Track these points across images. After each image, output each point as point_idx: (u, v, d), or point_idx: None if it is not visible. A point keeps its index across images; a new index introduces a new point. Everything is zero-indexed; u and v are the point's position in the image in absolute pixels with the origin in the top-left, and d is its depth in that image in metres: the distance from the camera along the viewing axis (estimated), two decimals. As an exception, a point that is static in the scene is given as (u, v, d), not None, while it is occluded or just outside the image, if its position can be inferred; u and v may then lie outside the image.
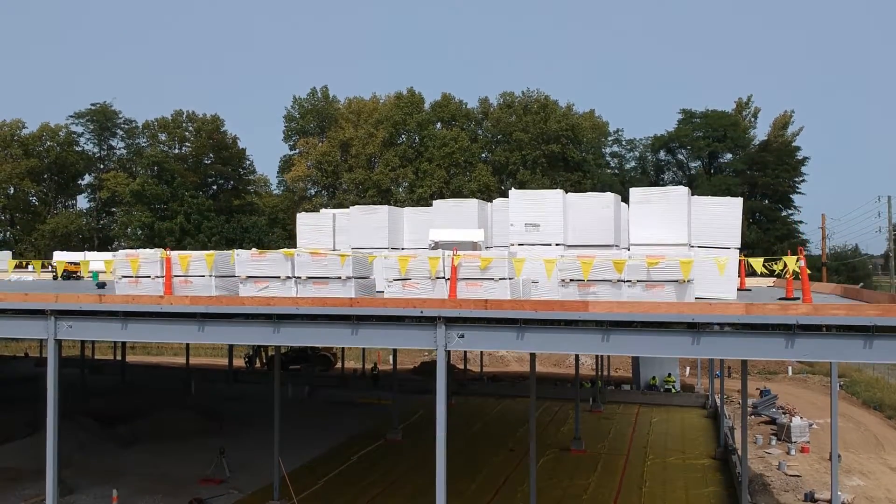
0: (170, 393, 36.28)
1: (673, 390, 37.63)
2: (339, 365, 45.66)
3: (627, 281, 12.43)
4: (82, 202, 78.41)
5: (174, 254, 14.60)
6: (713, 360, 33.60)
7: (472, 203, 17.92)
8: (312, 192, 72.53)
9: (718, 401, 30.54)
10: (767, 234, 60.29)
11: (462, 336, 11.98)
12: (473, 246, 15.67)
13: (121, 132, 76.52)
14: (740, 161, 63.51)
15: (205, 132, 72.54)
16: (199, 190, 71.41)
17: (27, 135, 73.10)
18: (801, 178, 63.77)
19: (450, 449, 12.62)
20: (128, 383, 40.21)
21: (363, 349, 44.81)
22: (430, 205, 19.19)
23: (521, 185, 65.35)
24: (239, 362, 45.04)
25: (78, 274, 26.22)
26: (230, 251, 14.86)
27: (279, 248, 14.48)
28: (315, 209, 63.41)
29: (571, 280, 12.70)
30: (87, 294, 14.34)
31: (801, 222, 64.46)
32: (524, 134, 67.04)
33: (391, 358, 36.48)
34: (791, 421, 28.65)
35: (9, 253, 35.35)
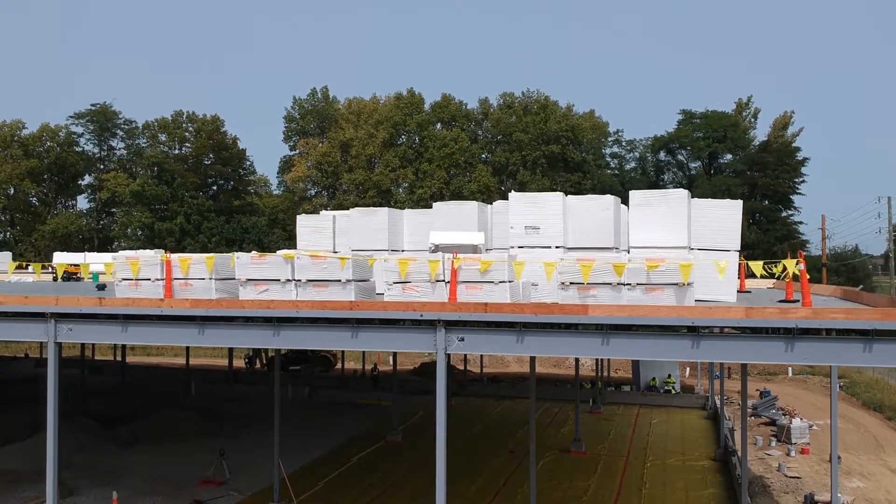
0: (170, 394, 36.30)
1: (673, 391, 37.65)
2: (339, 366, 45.66)
3: (627, 284, 12.44)
4: (82, 203, 78.55)
5: (174, 256, 14.60)
6: (713, 362, 33.62)
7: (472, 205, 17.93)
8: (312, 192, 72.53)
9: (718, 402, 30.55)
10: (767, 235, 60.30)
11: (462, 339, 12.00)
12: (474, 249, 15.67)
13: (121, 133, 76.53)
14: (740, 162, 63.51)
15: (205, 133, 72.53)
16: (199, 190, 71.41)
17: (27, 135, 73.09)
18: (801, 179, 63.80)
19: (450, 450, 12.63)
20: (128, 384, 40.21)
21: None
22: (431, 206, 19.20)
23: (522, 186, 65.36)
24: (239, 363, 45.04)
25: (78, 275, 26.25)
26: (230, 254, 14.86)
27: (279, 249, 14.50)
28: (315, 210, 63.45)
29: (571, 283, 12.70)
30: (88, 297, 14.34)
31: (801, 223, 64.54)
32: (524, 134, 67.06)
33: (391, 359, 36.49)
34: (791, 422, 28.66)
35: (9, 254, 35.38)
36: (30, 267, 29.28)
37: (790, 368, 44.77)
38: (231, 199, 73.04)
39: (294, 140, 73.27)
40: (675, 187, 66.13)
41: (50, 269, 27.22)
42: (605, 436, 29.01)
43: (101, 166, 76.69)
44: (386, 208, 18.97)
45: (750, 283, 21.45)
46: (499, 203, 18.02)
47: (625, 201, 16.55)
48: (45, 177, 74.36)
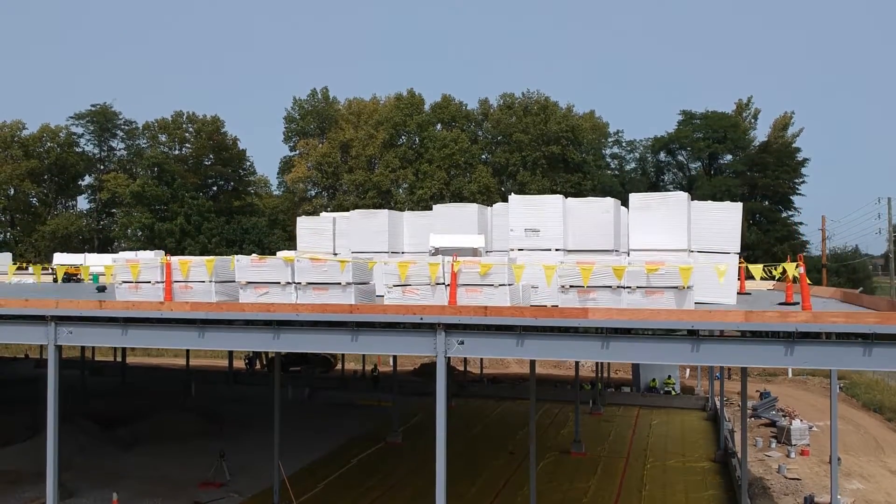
0: (170, 395, 36.31)
1: (673, 392, 37.65)
2: (339, 367, 45.66)
3: (627, 287, 12.45)
4: (82, 203, 78.62)
5: (174, 259, 14.62)
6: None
7: (473, 207, 17.94)
8: (312, 193, 72.55)
9: (718, 403, 30.56)
10: (768, 236, 60.30)
11: (462, 343, 12.01)
12: (474, 252, 15.68)
13: (121, 133, 76.60)
14: (740, 162, 63.51)
15: (205, 133, 72.57)
16: (199, 191, 71.46)
17: (27, 136, 73.17)
18: (801, 180, 63.77)
19: (450, 451, 12.64)
20: (128, 385, 40.23)
21: (363, 351, 44.74)
22: (431, 206, 19.20)
23: (522, 187, 65.37)
24: (239, 364, 45.04)
25: (78, 276, 26.28)
26: (230, 257, 14.88)
27: (279, 250, 14.53)
28: (315, 210, 63.51)
29: (571, 286, 12.71)
30: (88, 300, 14.35)
31: (801, 224, 64.51)
32: (524, 135, 67.07)
33: (391, 360, 36.51)
34: (791, 424, 28.66)
35: (9, 255, 35.38)
36: (30, 268, 29.31)
37: (790, 369, 44.77)
38: (231, 199, 73.07)
39: (294, 140, 73.31)
40: (676, 188, 66.22)
41: (50, 271, 27.25)
42: (605, 437, 29.02)
43: (102, 167, 76.75)
44: (386, 210, 18.97)
45: (750, 285, 21.47)
46: (499, 205, 18.03)
47: (625, 202, 16.56)
48: (46, 177, 74.42)
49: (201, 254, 62.00)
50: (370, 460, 25.32)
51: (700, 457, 26.19)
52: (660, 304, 12.14)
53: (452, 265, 12.85)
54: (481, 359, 45.43)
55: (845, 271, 66.47)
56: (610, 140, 72.77)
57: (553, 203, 15.95)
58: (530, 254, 15.42)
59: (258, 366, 45.72)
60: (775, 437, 28.99)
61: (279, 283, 13.90)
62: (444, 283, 13.13)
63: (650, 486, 22.66)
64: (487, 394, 38.32)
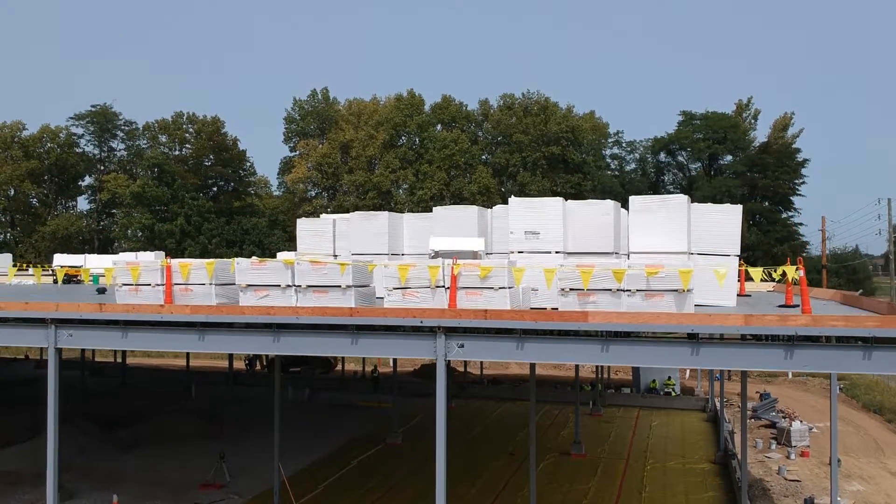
0: (170, 396, 36.35)
1: (673, 393, 37.66)
2: (339, 368, 45.67)
3: (627, 290, 12.45)
4: (83, 204, 78.69)
5: (174, 262, 14.63)
6: (713, 364, 33.59)
7: (473, 210, 17.95)
8: (313, 193, 72.55)
9: (718, 404, 30.56)
10: (768, 237, 60.31)
11: (462, 346, 12.02)
12: (473, 255, 15.69)
13: (121, 134, 76.67)
14: (740, 163, 63.53)
15: (205, 134, 72.60)
16: (199, 192, 71.48)
17: (27, 136, 73.22)
18: (801, 181, 63.80)
19: (450, 453, 12.65)
20: (128, 386, 40.26)
21: (363, 352, 44.73)
22: (431, 207, 19.22)
23: (522, 187, 65.37)
24: (239, 365, 45.05)
25: (78, 278, 26.31)
26: (230, 259, 14.89)
27: (280, 250, 14.53)
28: (315, 211, 63.54)
29: (571, 289, 12.72)
30: (88, 303, 14.36)
31: (801, 224, 64.58)
32: (524, 136, 67.07)
33: (391, 361, 36.51)
34: (791, 425, 28.67)
35: (9, 256, 35.41)
36: (30, 269, 29.35)
37: (790, 371, 44.80)
38: (231, 200, 73.09)
39: (294, 141, 73.32)
40: (676, 188, 66.23)
41: (50, 272, 27.26)
42: (605, 438, 29.03)
43: (102, 167, 76.79)
44: (386, 212, 18.98)
45: (749, 287, 21.48)
46: (499, 208, 18.04)
47: (625, 202, 16.58)
48: (46, 178, 74.46)
49: (201, 254, 62.07)
50: (370, 461, 25.33)
51: (700, 458, 26.19)
52: (660, 308, 12.14)
53: (452, 268, 12.85)
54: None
55: (845, 272, 66.50)
56: (610, 140, 72.80)
57: (553, 206, 15.96)
58: (530, 256, 15.43)
59: (258, 367, 45.74)
60: (775, 438, 29.00)
61: (279, 285, 13.90)
62: (444, 286, 13.13)
63: (650, 487, 22.67)
64: (487, 395, 38.33)
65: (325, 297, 13.56)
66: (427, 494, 13.81)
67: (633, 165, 71.55)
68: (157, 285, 14.51)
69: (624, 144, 72.36)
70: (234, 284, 14.51)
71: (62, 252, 46.97)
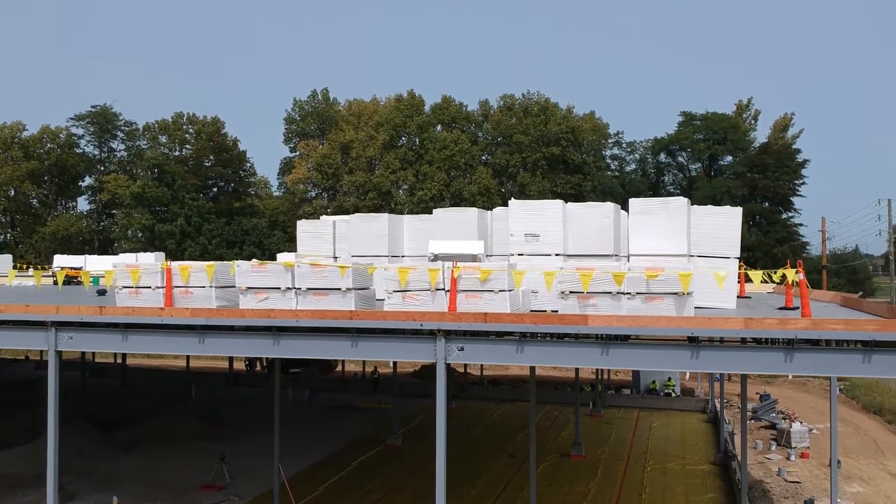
0: (170, 397, 36.37)
1: (673, 394, 37.68)
2: (339, 368, 45.66)
3: (627, 293, 12.46)
4: (83, 204, 78.67)
5: (174, 264, 14.64)
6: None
7: (473, 212, 17.96)
8: (313, 194, 72.54)
9: (718, 405, 30.57)
10: (768, 237, 60.31)
11: (462, 349, 12.03)
12: (473, 258, 15.70)
13: (121, 134, 76.64)
14: (740, 164, 63.53)
15: (205, 134, 72.59)
16: (199, 192, 71.48)
17: (27, 137, 73.20)
18: (801, 181, 63.80)
19: (450, 454, 12.64)
20: (128, 387, 40.28)
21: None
22: (431, 208, 19.24)
23: (522, 188, 65.36)
24: (239, 365, 45.05)
25: (79, 279, 26.29)
26: (230, 262, 14.89)
27: (280, 251, 14.54)
28: (315, 211, 63.53)
29: (571, 292, 12.72)
30: (88, 306, 14.37)
31: (801, 225, 64.57)
32: (524, 136, 67.07)
33: (391, 361, 36.52)
34: (791, 426, 28.67)
35: (10, 257, 35.40)
36: (30, 269, 29.33)
37: (790, 371, 44.75)
38: (231, 200, 73.09)
39: (294, 142, 73.30)
40: (676, 189, 66.27)
41: (50, 273, 27.25)
42: (605, 439, 29.04)
43: (102, 168, 76.79)
44: (386, 214, 18.99)
45: (749, 288, 21.49)
46: (499, 210, 18.06)
47: (625, 203, 16.60)
48: (46, 178, 74.46)
49: (201, 255, 62.08)
50: (370, 463, 25.35)
51: (700, 459, 26.20)
52: (659, 311, 12.15)
53: (452, 271, 12.86)
54: (481, 360, 45.45)
55: (845, 272, 66.57)
56: (610, 141, 72.80)
57: (553, 208, 15.97)
58: (530, 259, 15.44)
59: (258, 367, 45.75)
60: (775, 439, 29.02)
61: (279, 288, 13.91)
62: (444, 289, 13.13)
63: (650, 489, 22.69)
64: (487, 396, 38.32)
65: (326, 300, 13.56)
66: (427, 496, 13.80)
67: (633, 166, 71.60)
68: (158, 288, 14.52)
69: (624, 145, 72.43)
70: (234, 287, 14.51)
71: (62, 253, 46.94)
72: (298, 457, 24.35)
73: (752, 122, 67.97)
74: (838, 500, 19.26)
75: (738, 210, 16.03)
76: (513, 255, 15.82)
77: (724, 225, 15.66)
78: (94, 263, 30.50)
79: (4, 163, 71.39)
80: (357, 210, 54.29)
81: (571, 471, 24.33)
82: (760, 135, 68.04)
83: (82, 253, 57.62)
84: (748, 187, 63.05)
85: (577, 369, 28.39)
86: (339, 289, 13.63)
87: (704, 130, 64.15)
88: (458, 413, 32.11)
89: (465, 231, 17.34)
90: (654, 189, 64.95)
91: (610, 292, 12.55)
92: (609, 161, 72.10)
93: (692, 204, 16.22)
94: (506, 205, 17.05)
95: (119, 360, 44.67)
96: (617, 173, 70.59)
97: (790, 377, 44.18)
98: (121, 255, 38.91)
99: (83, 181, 77.05)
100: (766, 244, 59.35)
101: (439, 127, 70.55)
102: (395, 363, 32.65)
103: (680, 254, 15.10)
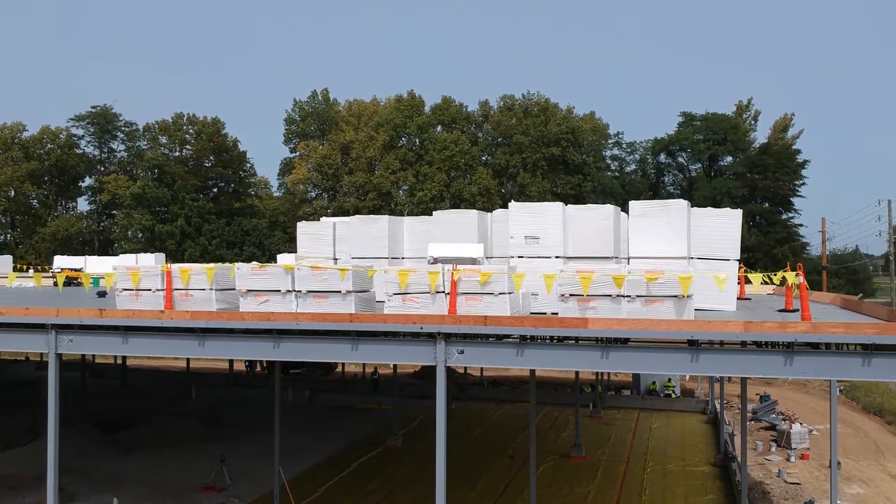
0: (170, 397, 36.38)
1: (673, 395, 37.68)
2: (339, 369, 45.67)
3: (627, 296, 12.47)
4: (83, 205, 78.69)
5: (175, 267, 14.66)
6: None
7: (472, 214, 17.97)
8: (313, 194, 72.54)
9: (718, 406, 30.58)
10: (768, 238, 60.33)
11: (462, 352, 12.03)
12: (472, 261, 15.70)
13: (121, 135, 76.65)
14: (740, 164, 63.55)
15: (205, 135, 72.59)
16: (199, 193, 71.47)
17: (28, 137, 73.22)
18: (801, 182, 63.83)
19: (450, 455, 12.65)
20: (128, 387, 40.31)
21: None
22: (431, 208, 19.26)
23: (522, 188, 65.34)
24: (239, 366, 45.06)
25: (79, 281, 26.31)
26: (230, 265, 14.90)
27: (280, 251, 14.55)
28: (315, 212, 63.56)
29: (571, 295, 12.73)
30: (88, 308, 14.38)
31: (801, 225, 64.59)
32: (524, 137, 67.05)
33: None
34: (791, 427, 28.68)
35: (10, 258, 35.41)
36: (30, 271, 29.35)
37: (790, 372, 44.74)
38: (231, 201, 73.09)
39: (294, 142, 73.29)
40: (676, 189, 66.28)
41: (50, 273, 27.25)
42: (605, 440, 29.04)
43: (102, 168, 76.80)
44: (386, 216, 18.99)
45: (749, 290, 21.50)
46: (499, 212, 18.07)
47: (625, 204, 16.61)
48: (46, 179, 74.47)
49: (201, 255, 62.09)
50: (370, 464, 25.35)
51: (700, 461, 26.21)
52: (659, 314, 12.16)
53: (452, 273, 12.86)
54: (481, 361, 45.41)
55: (845, 273, 66.58)
56: (610, 142, 72.78)
57: (553, 210, 15.97)
58: (530, 261, 15.44)
59: (258, 368, 45.76)
60: (775, 440, 29.03)
61: (279, 290, 13.92)
62: (444, 292, 13.14)
63: (650, 490, 22.69)
64: (487, 397, 38.33)
65: (326, 303, 13.58)
66: (427, 497, 13.81)
67: (633, 166, 71.60)
68: (158, 290, 14.53)
69: (624, 145, 72.41)
70: (234, 289, 14.52)
71: (62, 253, 46.98)
72: (298, 458, 24.36)
73: (752, 122, 68.00)
74: (838, 502, 19.26)
75: (738, 212, 16.05)
76: (513, 257, 15.82)
77: (723, 227, 15.68)
78: (94, 264, 30.55)
79: (4, 163, 71.41)
80: (357, 211, 54.30)
81: (571, 472, 24.34)
82: (760, 135, 68.15)
83: (82, 253, 57.69)
84: (748, 188, 63.06)
85: (577, 371, 28.40)
86: (340, 291, 13.64)
87: (704, 131, 64.16)
88: (458, 414, 32.11)
89: (465, 233, 17.34)
90: (654, 189, 64.96)
91: (610, 295, 12.56)
92: (609, 161, 72.11)
93: (692, 204, 16.24)
94: (506, 205, 17.06)
95: (119, 361, 44.68)
96: (617, 174, 70.59)
97: (790, 378, 44.19)
98: (121, 255, 38.91)
99: (83, 182, 77.11)
100: (766, 244, 59.36)
101: (439, 127, 70.54)
102: (395, 364, 32.64)
103: (680, 256, 15.12)
